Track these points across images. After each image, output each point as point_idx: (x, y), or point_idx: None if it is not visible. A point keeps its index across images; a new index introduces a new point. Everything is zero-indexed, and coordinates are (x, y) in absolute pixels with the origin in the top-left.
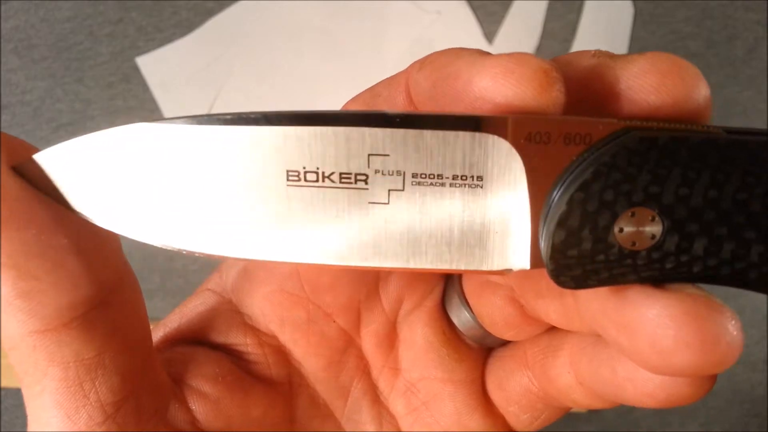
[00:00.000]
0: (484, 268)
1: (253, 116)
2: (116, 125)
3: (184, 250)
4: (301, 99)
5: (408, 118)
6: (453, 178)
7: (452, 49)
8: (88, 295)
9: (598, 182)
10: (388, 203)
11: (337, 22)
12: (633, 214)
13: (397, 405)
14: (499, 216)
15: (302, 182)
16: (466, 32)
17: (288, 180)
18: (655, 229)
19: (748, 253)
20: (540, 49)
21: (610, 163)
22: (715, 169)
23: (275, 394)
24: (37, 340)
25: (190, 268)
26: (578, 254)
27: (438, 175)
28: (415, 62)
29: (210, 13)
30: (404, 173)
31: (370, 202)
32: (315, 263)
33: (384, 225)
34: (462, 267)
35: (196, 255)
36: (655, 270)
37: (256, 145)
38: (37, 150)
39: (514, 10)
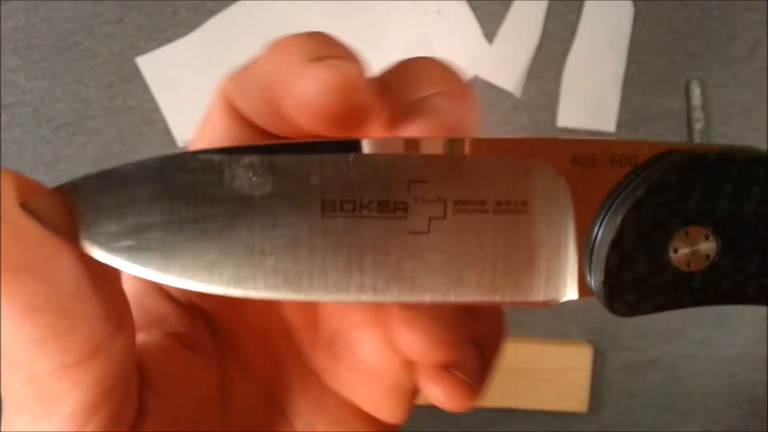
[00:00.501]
0: (530, 298)
1: (287, 146)
2: (116, 125)
3: (213, 292)
4: None
5: (445, 142)
6: (497, 204)
7: (270, 55)
8: (110, 325)
9: (650, 201)
10: (428, 232)
11: (337, 22)
12: (687, 234)
13: (319, 360)
14: (546, 243)
15: (338, 212)
16: (466, 32)
17: (323, 211)
18: (709, 248)
19: None
20: (540, 49)
21: (661, 182)
22: (764, 184)
23: (205, 362)
24: (66, 374)
25: None
26: (633, 278)
27: (481, 201)
28: (229, 76)
29: (210, 13)
30: (446, 200)
31: (409, 232)
32: (352, 300)
33: (424, 256)
34: (507, 298)
35: (226, 295)
36: (710, 293)
37: (289, 175)
38: (40, 186)
39: (514, 10)
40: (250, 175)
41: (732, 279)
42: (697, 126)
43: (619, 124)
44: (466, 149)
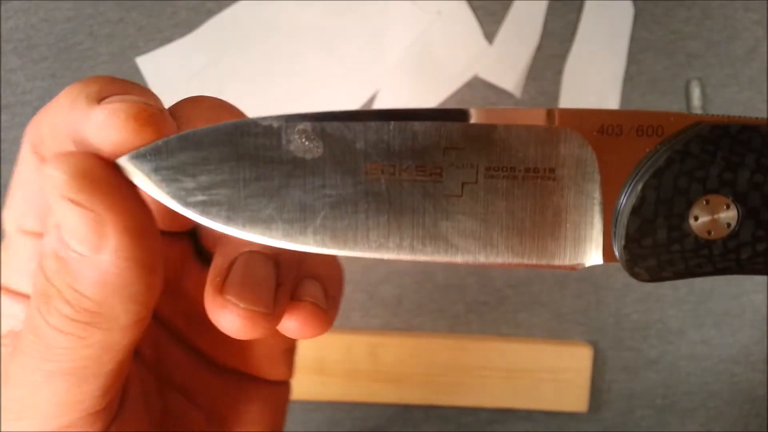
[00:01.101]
0: (557, 262)
1: (339, 114)
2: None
3: (270, 243)
4: (301, 99)
5: (477, 113)
6: (526, 171)
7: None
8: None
9: (671, 169)
10: (461, 196)
11: (337, 22)
12: (707, 202)
13: (200, 339)
14: (573, 209)
15: (379, 175)
16: (466, 32)
17: (366, 174)
18: (730, 216)
19: None
20: (540, 49)
21: (683, 151)
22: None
23: None
24: (132, 332)
25: None
26: (653, 243)
27: (511, 168)
28: (33, 123)
29: (210, 13)
30: (478, 166)
31: (444, 195)
32: (391, 258)
33: (457, 218)
34: (534, 261)
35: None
36: (731, 261)
37: (337, 141)
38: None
39: (514, 10)
40: (303, 140)
41: (753, 248)
42: None
43: None
44: (497, 118)
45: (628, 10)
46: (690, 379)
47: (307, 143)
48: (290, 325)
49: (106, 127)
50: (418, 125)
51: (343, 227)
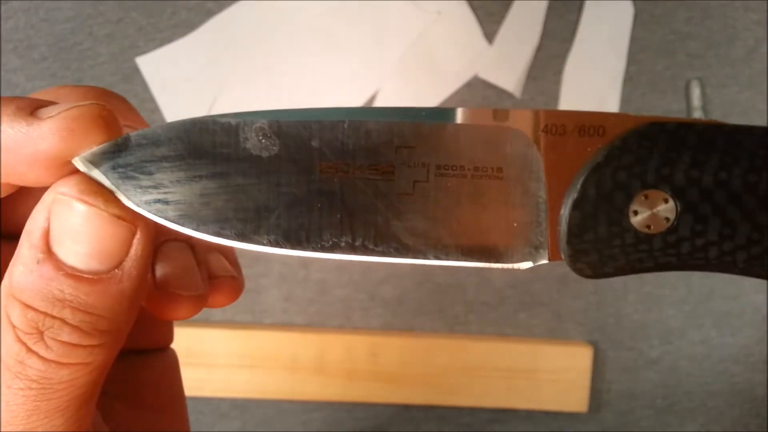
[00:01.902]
0: (505, 262)
1: (293, 112)
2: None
3: (228, 243)
4: (301, 99)
5: (432, 111)
6: (474, 170)
7: None
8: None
9: (610, 165)
10: (413, 194)
11: (337, 22)
12: (646, 197)
13: None
14: (519, 208)
15: (333, 174)
16: (466, 32)
17: (321, 172)
18: (668, 211)
19: (763, 238)
20: (540, 49)
21: (621, 147)
22: (724, 152)
23: None
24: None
25: None
26: (594, 239)
27: (460, 167)
28: None
29: (210, 13)
30: (429, 165)
31: (396, 194)
32: (343, 259)
33: (408, 217)
34: (483, 262)
35: (236, 247)
36: (671, 255)
37: (293, 139)
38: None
39: (514, 10)
40: (260, 137)
41: (692, 243)
42: None
43: None
44: (446, 117)
45: (628, 10)
46: (690, 379)
47: (263, 141)
48: (217, 298)
49: (59, 133)
50: (372, 123)
51: (296, 226)
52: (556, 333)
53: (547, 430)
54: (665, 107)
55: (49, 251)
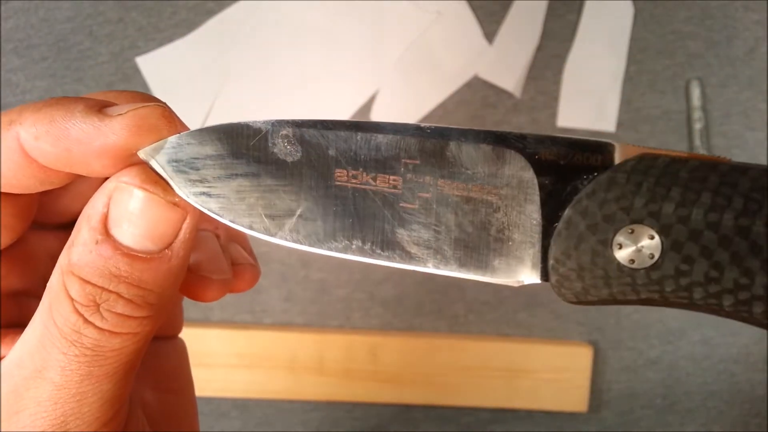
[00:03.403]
0: (497, 278)
1: (314, 122)
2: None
3: (255, 234)
4: (301, 99)
5: (437, 129)
6: (474, 188)
7: (60, 110)
8: None
9: (597, 196)
10: (416, 206)
11: (337, 22)
12: (632, 231)
13: None
14: (515, 228)
15: (347, 182)
16: (466, 32)
17: (336, 179)
18: (653, 247)
19: (752, 283)
20: (540, 49)
21: (611, 179)
22: (716, 192)
23: None
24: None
25: None
26: (578, 267)
27: (462, 185)
28: (20, 120)
29: (210, 13)
30: (431, 179)
31: (401, 204)
32: (355, 259)
33: (411, 227)
34: (477, 276)
35: (261, 239)
36: (654, 292)
37: (313, 147)
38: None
39: (514, 10)
40: (286, 143)
41: (677, 282)
42: (697, 126)
43: (619, 124)
44: (450, 136)
45: (628, 10)
46: (690, 379)
47: (288, 147)
48: (239, 284)
49: (129, 129)
50: (381, 137)
51: (314, 228)
52: (556, 333)
53: (547, 430)
54: (665, 107)
55: (107, 233)
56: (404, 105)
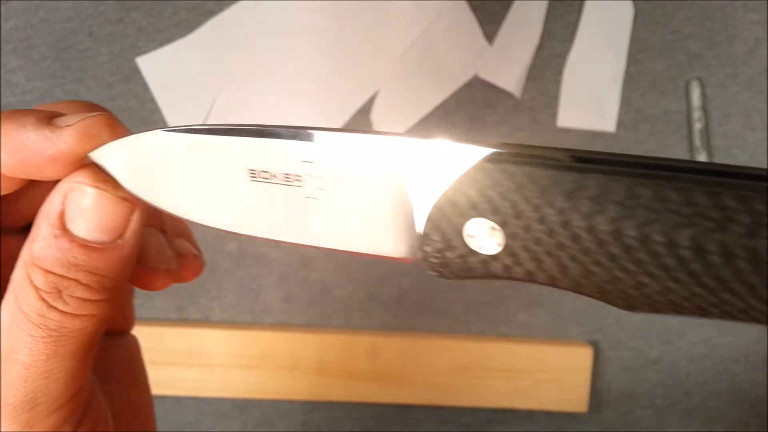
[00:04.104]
0: (392, 254)
1: (224, 128)
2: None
3: (191, 220)
4: (301, 99)
5: (329, 134)
6: (364, 181)
7: (12, 124)
8: None
9: (459, 186)
10: (318, 198)
11: (337, 22)
12: (481, 223)
13: None
14: (401, 216)
15: (259, 178)
16: (466, 32)
17: (250, 176)
18: (497, 237)
19: (566, 270)
20: (540, 49)
21: (469, 174)
22: (549, 191)
23: None
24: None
25: None
26: (440, 249)
27: (353, 180)
28: None
29: (210, 14)
30: (328, 176)
31: (305, 197)
32: (270, 239)
33: (316, 215)
34: (377, 252)
35: (196, 224)
36: (506, 276)
37: (228, 151)
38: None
39: (514, 10)
40: (205, 148)
41: (523, 267)
42: (697, 126)
43: (619, 124)
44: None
45: (628, 10)
46: (690, 379)
47: (208, 148)
48: (185, 273)
49: (79, 138)
50: (283, 141)
51: (242, 217)
52: (556, 333)
53: (547, 430)
54: (665, 107)
55: (64, 228)
56: (404, 105)
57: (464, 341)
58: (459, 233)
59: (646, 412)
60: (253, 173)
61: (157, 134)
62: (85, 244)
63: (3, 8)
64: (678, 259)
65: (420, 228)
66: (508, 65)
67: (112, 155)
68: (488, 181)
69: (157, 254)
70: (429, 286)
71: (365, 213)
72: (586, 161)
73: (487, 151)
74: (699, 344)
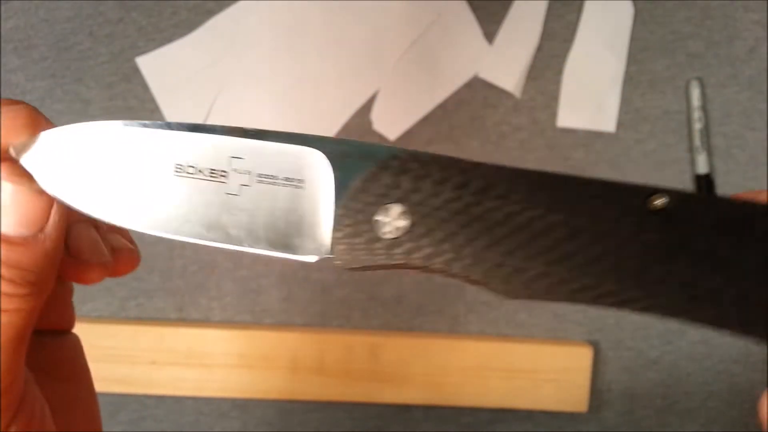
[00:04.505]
0: (299, 255)
1: (157, 124)
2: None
3: (110, 222)
4: (301, 99)
5: (257, 132)
6: (284, 180)
7: None
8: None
9: (365, 184)
10: (239, 195)
11: (337, 22)
12: (387, 210)
13: None
14: (314, 213)
15: (183, 174)
16: (466, 32)
17: (176, 172)
18: (403, 223)
19: (467, 247)
20: (540, 49)
21: (373, 172)
22: (440, 181)
23: None
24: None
25: (190, 269)
26: (350, 241)
27: (274, 176)
28: None
29: (210, 13)
30: (252, 173)
31: (226, 193)
32: (188, 240)
33: (235, 212)
34: (284, 253)
35: (110, 223)
36: (414, 261)
37: (158, 145)
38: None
39: (514, 10)
40: (135, 143)
41: (424, 251)
42: (697, 126)
43: (619, 124)
44: (267, 137)
45: (628, 10)
46: (690, 379)
47: (137, 145)
48: (120, 267)
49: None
50: (211, 137)
51: (164, 215)
52: (556, 333)
53: (547, 430)
54: (665, 107)
55: None
56: (404, 105)
57: (464, 341)
58: (368, 221)
59: (646, 412)
60: (179, 168)
61: (90, 126)
62: (6, 239)
63: (3, 8)
64: (553, 241)
65: (329, 221)
66: (508, 65)
67: (36, 151)
68: (394, 175)
69: (90, 248)
70: (429, 286)
71: (277, 213)
72: (475, 163)
73: (391, 150)
74: (699, 344)
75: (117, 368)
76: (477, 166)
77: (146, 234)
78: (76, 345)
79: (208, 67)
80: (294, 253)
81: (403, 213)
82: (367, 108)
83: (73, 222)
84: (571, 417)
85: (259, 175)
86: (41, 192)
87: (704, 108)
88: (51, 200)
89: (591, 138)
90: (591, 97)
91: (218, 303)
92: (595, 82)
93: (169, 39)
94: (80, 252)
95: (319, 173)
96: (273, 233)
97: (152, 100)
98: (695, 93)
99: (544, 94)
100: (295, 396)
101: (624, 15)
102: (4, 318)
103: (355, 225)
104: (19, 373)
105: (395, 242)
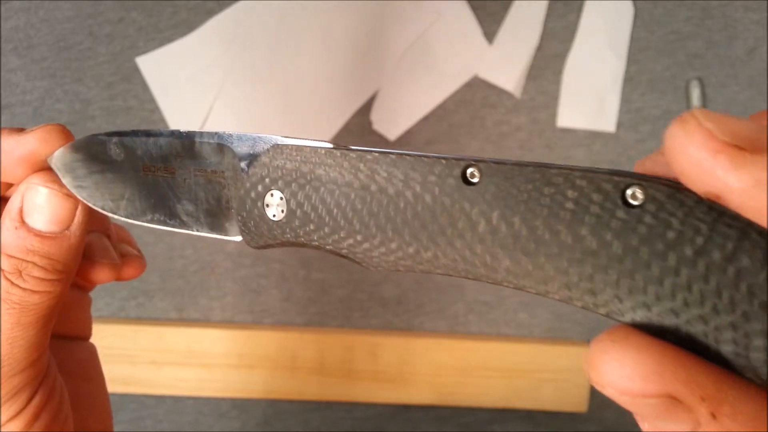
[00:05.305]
0: (227, 236)
1: (133, 132)
2: (116, 125)
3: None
4: (301, 99)
5: (189, 133)
6: (211, 173)
7: None
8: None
9: (255, 173)
10: (184, 186)
11: (337, 22)
12: (272, 195)
13: None
14: (234, 200)
15: (148, 173)
16: (466, 32)
17: (143, 171)
18: (281, 205)
19: (346, 224)
20: (540, 49)
21: (268, 158)
22: (324, 165)
23: None
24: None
25: (190, 269)
26: (243, 219)
27: (204, 170)
28: None
29: (210, 13)
30: (191, 168)
31: (176, 186)
32: (154, 227)
33: (182, 202)
34: (216, 234)
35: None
36: (291, 237)
37: (130, 149)
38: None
39: (514, 10)
40: (116, 148)
41: (303, 229)
42: None
43: (619, 124)
44: (200, 137)
45: (628, 10)
46: None
47: (116, 150)
48: (128, 271)
49: (39, 139)
50: (162, 140)
51: (136, 207)
52: (555, 333)
53: (547, 430)
54: (665, 107)
55: (22, 221)
56: (404, 105)
57: (464, 341)
58: (256, 206)
59: None
60: (144, 168)
61: (90, 139)
62: (39, 234)
63: (3, 8)
64: (399, 210)
65: (238, 210)
66: (508, 65)
67: (62, 161)
68: (278, 161)
69: (101, 252)
70: (429, 286)
71: (211, 200)
72: (345, 148)
73: (276, 138)
74: None
75: (117, 368)
76: (345, 152)
77: (145, 235)
78: (92, 351)
79: (208, 67)
80: (226, 234)
81: (282, 198)
82: (367, 108)
83: (88, 232)
84: (571, 417)
85: (196, 170)
86: (69, 195)
87: (704, 108)
88: (77, 202)
89: (591, 138)
90: (591, 97)
91: (218, 303)
92: (595, 82)
93: (169, 39)
94: (93, 255)
95: (233, 167)
96: (210, 218)
97: (152, 100)
98: (695, 93)
99: (544, 94)
100: (295, 396)
101: (624, 15)
102: (36, 299)
103: (249, 210)
104: (44, 350)
105: (280, 224)
